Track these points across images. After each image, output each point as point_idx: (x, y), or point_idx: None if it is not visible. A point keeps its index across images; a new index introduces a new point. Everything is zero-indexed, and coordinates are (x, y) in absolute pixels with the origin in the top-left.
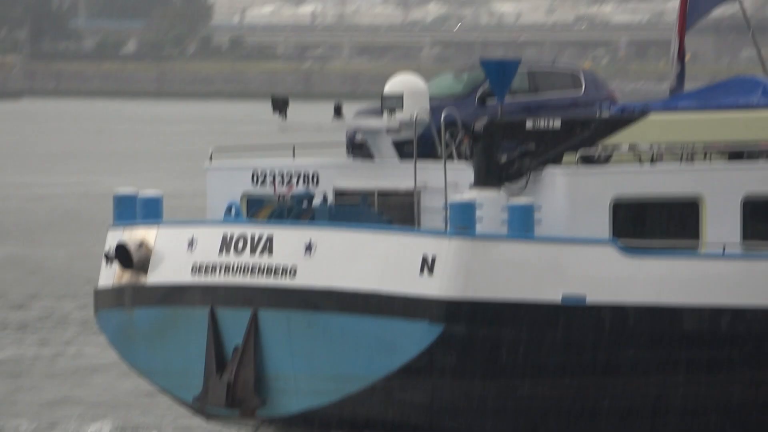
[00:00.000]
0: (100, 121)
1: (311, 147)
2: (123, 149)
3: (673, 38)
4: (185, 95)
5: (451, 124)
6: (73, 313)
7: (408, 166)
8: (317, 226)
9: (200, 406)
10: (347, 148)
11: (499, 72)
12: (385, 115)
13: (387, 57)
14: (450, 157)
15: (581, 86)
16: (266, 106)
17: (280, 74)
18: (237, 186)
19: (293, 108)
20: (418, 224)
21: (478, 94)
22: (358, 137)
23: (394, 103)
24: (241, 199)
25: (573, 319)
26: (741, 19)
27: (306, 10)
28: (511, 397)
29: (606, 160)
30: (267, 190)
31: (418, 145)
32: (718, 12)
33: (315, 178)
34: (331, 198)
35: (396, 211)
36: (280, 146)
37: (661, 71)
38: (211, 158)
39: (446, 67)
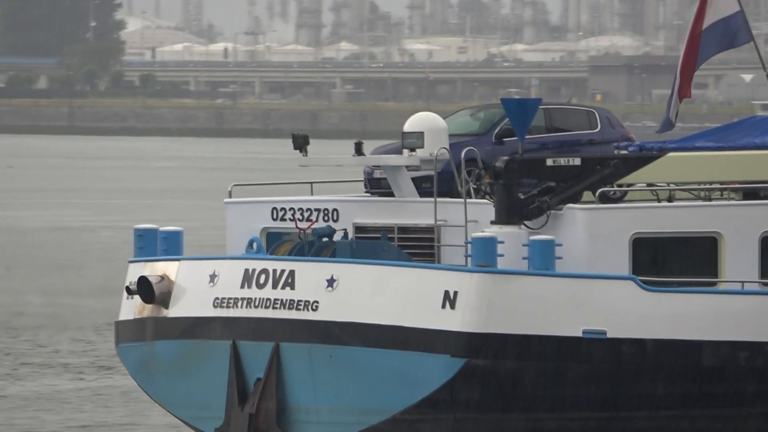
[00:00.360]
0: (9, 156)
1: (319, 182)
2: (34, 185)
3: (675, 78)
4: (97, 131)
5: (469, 161)
6: None
7: (427, 202)
8: (339, 261)
9: None
10: (365, 184)
11: (519, 110)
12: (406, 152)
13: (299, 94)
14: (468, 194)
15: (597, 125)
16: (179, 142)
17: (192, 110)
18: (256, 221)
19: (205, 143)
20: (438, 260)
21: (495, 132)
22: (376, 174)
23: (415, 140)
24: (261, 233)
25: (593, 353)
26: (653, 59)
27: (218, 47)
28: (532, 430)
29: (621, 197)
30: (287, 225)
31: (437, 183)
32: (630, 51)
33: (335, 214)
34: (351, 234)
35: (416, 247)
36: (298, 184)
37: None
38: (230, 194)
39: (357, 105)
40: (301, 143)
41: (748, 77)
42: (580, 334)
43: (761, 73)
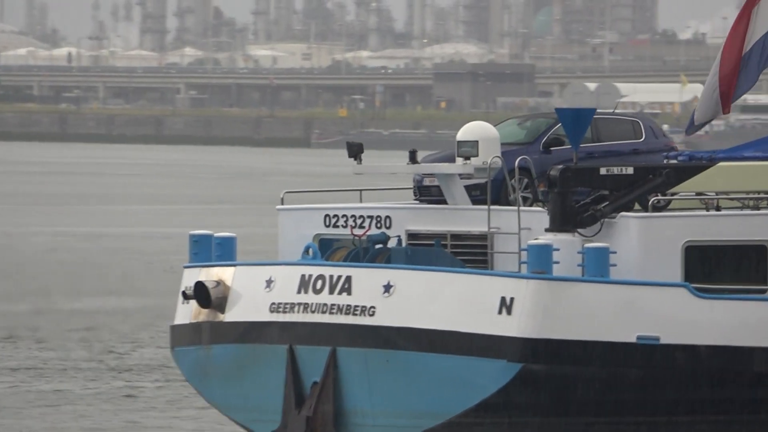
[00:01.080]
0: None
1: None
2: None
3: (714, 80)
4: None
5: (521, 170)
6: None
7: (480, 210)
8: (396, 267)
9: None
10: (414, 192)
11: (574, 120)
12: (460, 160)
13: (143, 99)
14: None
15: (642, 134)
16: (21, 147)
17: (35, 115)
18: (309, 227)
19: (49, 148)
20: (491, 266)
21: (543, 141)
22: (426, 181)
23: (469, 148)
24: (313, 240)
25: (647, 359)
26: (497, 66)
27: (61, 52)
28: None
29: (665, 206)
30: (339, 231)
31: (486, 191)
32: (475, 59)
33: (388, 221)
34: (403, 240)
35: (469, 254)
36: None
37: (418, 117)
38: (282, 201)
39: (202, 110)
40: (355, 151)
41: (592, 85)
42: (634, 340)
43: (606, 81)
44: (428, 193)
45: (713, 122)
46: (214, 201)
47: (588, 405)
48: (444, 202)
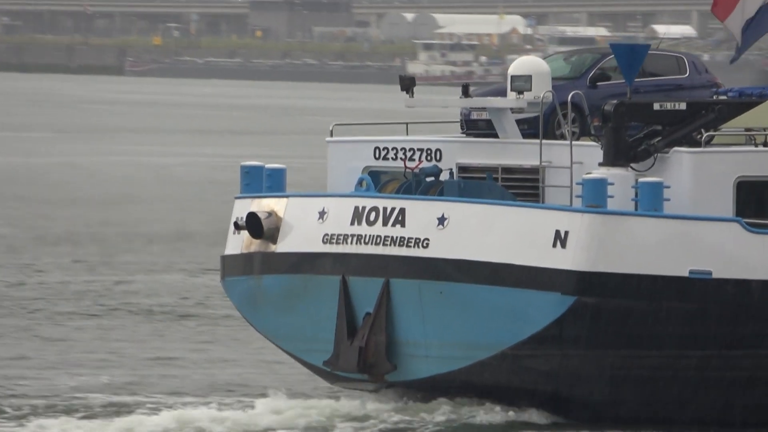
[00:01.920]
0: None
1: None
2: None
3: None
4: None
5: (573, 105)
6: None
7: (532, 144)
8: (450, 200)
9: (332, 369)
10: (461, 125)
11: (629, 56)
12: (512, 94)
13: None
14: (564, 137)
15: (686, 70)
16: None
17: None
18: (358, 160)
19: None
20: (543, 200)
21: (590, 76)
22: (474, 115)
23: (523, 83)
24: (363, 172)
25: (699, 293)
26: None
27: None
28: (637, 367)
29: (708, 141)
30: (389, 164)
31: (535, 125)
32: None
33: (438, 154)
34: (454, 174)
35: (520, 188)
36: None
37: (233, 45)
38: (331, 133)
39: (15, 38)
40: (408, 85)
41: (410, 16)
42: (686, 274)
43: (423, 12)
44: (475, 127)
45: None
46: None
47: (640, 338)
48: (491, 135)
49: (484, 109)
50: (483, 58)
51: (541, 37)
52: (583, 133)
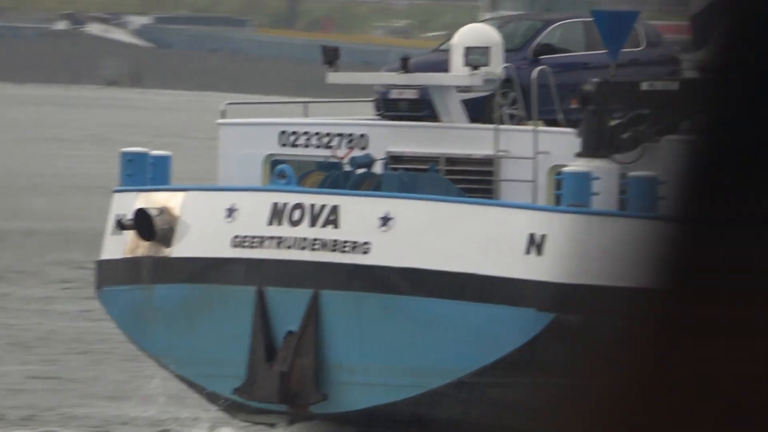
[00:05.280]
0: None
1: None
2: None
3: None
4: None
5: (504, 81)
6: None
7: (484, 129)
8: (396, 196)
9: (245, 399)
10: (376, 106)
11: (613, 25)
12: (467, 69)
13: None
14: (502, 121)
15: (642, 42)
16: None
17: None
18: (259, 147)
19: None
20: (497, 197)
21: (532, 47)
22: (393, 93)
23: (478, 56)
24: (265, 161)
25: None
26: None
27: None
28: None
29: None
30: (298, 152)
31: (477, 108)
32: None
33: (363, 141)
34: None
35: (468, 182)
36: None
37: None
38: (223, 114)
39: None
40: (331, 57)
41: None
42: None
43: None
44: (395, 108)
45: None
46: None
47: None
48: (415, 119)
49: (409, 86)
50: None
51: None
52: (528, 116)
